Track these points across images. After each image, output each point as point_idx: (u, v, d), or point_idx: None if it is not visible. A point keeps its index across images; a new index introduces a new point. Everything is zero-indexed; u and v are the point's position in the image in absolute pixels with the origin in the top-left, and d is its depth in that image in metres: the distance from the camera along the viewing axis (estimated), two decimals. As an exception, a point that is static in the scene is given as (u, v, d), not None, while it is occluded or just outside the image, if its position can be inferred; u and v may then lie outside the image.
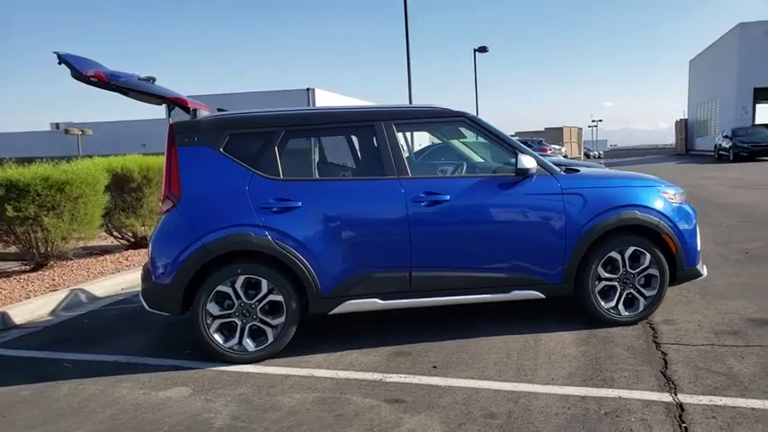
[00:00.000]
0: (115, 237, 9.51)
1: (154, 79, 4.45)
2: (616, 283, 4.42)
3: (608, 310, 4.41)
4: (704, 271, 4.66)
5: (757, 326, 4.28)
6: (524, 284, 4.31)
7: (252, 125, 4.25)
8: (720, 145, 28.22)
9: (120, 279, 6.96)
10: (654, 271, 4.42)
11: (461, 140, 5.75)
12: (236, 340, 4.06)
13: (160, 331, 4.96)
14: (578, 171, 4.68)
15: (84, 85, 4.10)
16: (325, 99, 27.25)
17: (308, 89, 23.32)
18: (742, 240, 7.49)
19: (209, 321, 4.02)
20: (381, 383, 3.62)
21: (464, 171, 5.06)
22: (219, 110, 4.76)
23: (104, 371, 4.07)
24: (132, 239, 9.43)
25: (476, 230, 4.23)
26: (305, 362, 4.06)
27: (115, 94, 4.22)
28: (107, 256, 8.48)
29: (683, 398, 3.20)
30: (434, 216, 4.17)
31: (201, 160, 4.11)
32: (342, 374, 3.80)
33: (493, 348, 4.11)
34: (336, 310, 4.17)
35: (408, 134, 6.03)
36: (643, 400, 3.20)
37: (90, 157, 10.00)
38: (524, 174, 4.24)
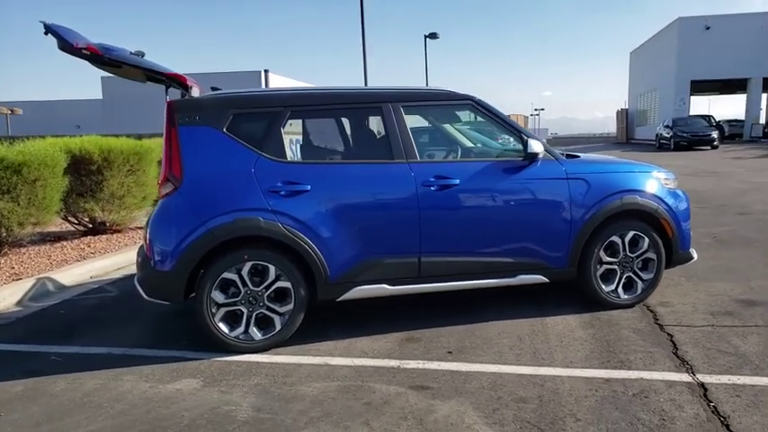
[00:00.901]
0: (71, 222, 9.02)
1: (143, 54, 4.20)
2: (616, 267, 4.50)
3: (608, 293, 4.49)
4: (695, 255, 4.80)
5: (749, 306, 4.46)
6: (530, 269, 4.33)
7: (256, 104, 4.06)
8: (662, 134, 29.39)
9: (87, 267, 6.60)
10: (651, 255, 4.52)
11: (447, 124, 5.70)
12: (242, 329, 3.90)
13: (149, 321, 4.72)
14: (578, 157, 4.72)
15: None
16: (278, 83, 26.73)
17: (265, 71, 22.69)
18: (707, 226, 7.79)
19: (213, 310, 3.85)
20: (401, 370, 3.56)
21: (459, 155, 5.02)
22: (213, 88, 4.53)
23: (99, 364, 3.83)
24: (90, 225, 8.96)
25: (484, 215, 4.21)
26: (314, 350, 3.95)
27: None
28: (65, 243, 8.03)
29: (702, 378, 3.28)
30: (444, 200, 4.12)
31: (204, 141, 3.90)
32: (357, 362, 3.71)
33: (503, 332, 4.11)
34: (345, 297, 4.06)
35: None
36: (665, 381, 3.26)
37: (42, 137, 9.41)
38: (533, 158, 4.25)
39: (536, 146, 4.20)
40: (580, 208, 4.32)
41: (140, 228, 9.43)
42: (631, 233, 4.47)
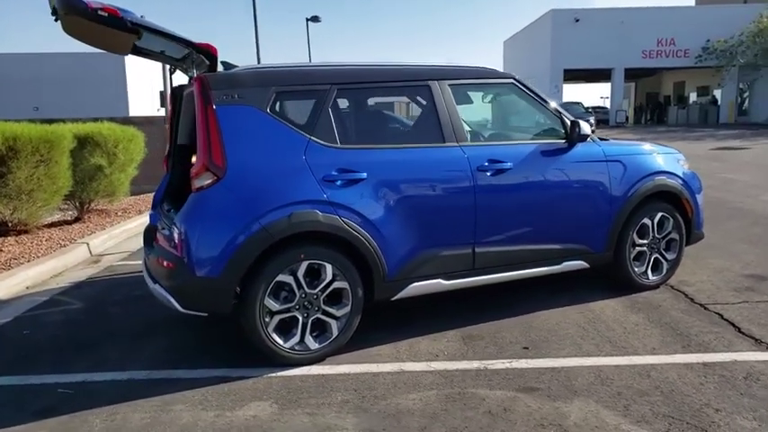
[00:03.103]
0: (-41, 224, 7.64)
1: (143, 18, 3.51)
2: (645, 249, 4.52)
3: (639, 275, 4.51)
4: (704, 234, 4.95)
5: (760, 281, 4.69)
6: (574, 255, 4.22)
7: (301, 81, 3.53)
8: (543, 120, 31.08)
9: (21, 276, 5.57)
10: (675, 235, 4.60)
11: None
12: (297, 338, 3.40)
13: (150, 337, 4.00)
14: (607, 140, 4.68)
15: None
16: (138, 65, 24.14)
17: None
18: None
19: (267, 319, 3.31)
20: (491, 372, 3.28)
21: (500, 137, 4.77)
22: (225, 64, 3.91)
23: (127, 393, 3.15)
24: (-17, 226, 7.64)
25: (535, 200, 4.02)
26: (375, 355, 3.54)
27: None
28: (-33, 248, 6.76)
29: (789, 354, 3.34)
30: (498, 186, 3.87)
31: (247, 123, 3.32)
32: (435, 366, 3.37)
33: (561, 323, 3.96)
34: (401, 295, 3.70)
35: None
36: (761, 361, 3.28)
37: None
38: (579, 140, 4.13)
39: (586, 127, 4.08)
40: (618, 190, 4.27)
41: (51, 226, 8.18)
42: (659, 214, 4.50)
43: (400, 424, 2.76)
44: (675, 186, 4.50)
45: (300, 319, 3.40)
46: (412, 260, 3.65)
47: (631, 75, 39.76)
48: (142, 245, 4.19)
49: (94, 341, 3.95)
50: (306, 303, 3.40)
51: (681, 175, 4.59)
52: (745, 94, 37.85)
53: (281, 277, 3.31)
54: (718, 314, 4.01)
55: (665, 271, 4.61)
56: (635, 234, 4.42)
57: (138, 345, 3.85)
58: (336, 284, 3.46)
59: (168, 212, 3.84)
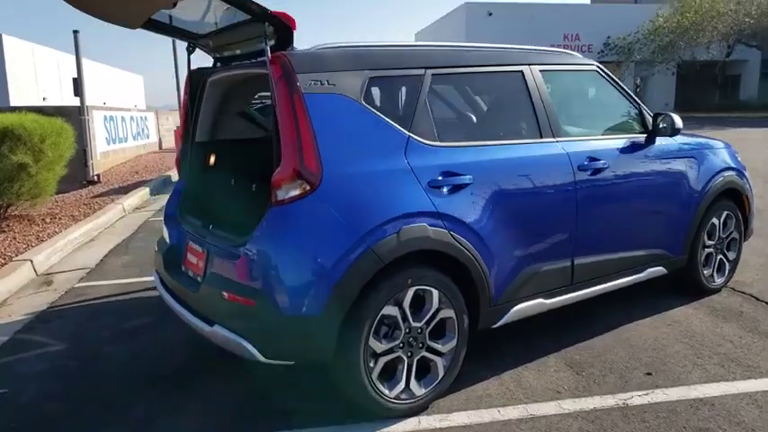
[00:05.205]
0: None
1: None
2: (712, 250, 4.23)
3: (708, 278, 4.22)
4: None
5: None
6: (655, 260, 3.83)
7: (395, 64, 2.83)
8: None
9: (-42, 307, 4.43)
10: (736, 234, 4.36)
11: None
12: (402, 384, 2.74)
13: (185, 387, 3.15)
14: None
15: None
16: (19, 49, 20.80)
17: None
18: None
19: (371, 364, 2.63)
20: (639, 410, 2.78)
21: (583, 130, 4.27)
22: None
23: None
24: None
25: (627, 201, 3.59)
26: (485, 397, 2.94)
27: None
28: None
29: None
30: (597, 187, 3.39)
31: (340, 116, 2.60)
32: (568, 407, 2.83)
33: (659, 338, 3.55)
34: (504, 320, 3.12)
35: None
36: None
37: None
38: (674, 135, 3.76)
39: (679, 121, 3.68)
40: (695, 188, 3.93)
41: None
42: (725, 213, 4.22)
43: (590, 495, 2.20)
44: (739, 183, 4.23)
45: (406, 359, 2.74)
46: (516, 279, 3.09)
47: (538, 68, 41.08)
48: (161, 269, 3.31)
49: (112, 400, 3.04)
50: (410, 340, 2.74)
51: (742, 170, 4.33)
52: (638, 89, 40.30)
53: (387, 309, 2.63)
54: (810, 319, 3.77)
55: (727, 272, 4.35)
56: (705, 235, 4.11)
57: (179, 402, 2.99)
58: (442, 314, 2.83)
59: (210, 229, 3.03)
